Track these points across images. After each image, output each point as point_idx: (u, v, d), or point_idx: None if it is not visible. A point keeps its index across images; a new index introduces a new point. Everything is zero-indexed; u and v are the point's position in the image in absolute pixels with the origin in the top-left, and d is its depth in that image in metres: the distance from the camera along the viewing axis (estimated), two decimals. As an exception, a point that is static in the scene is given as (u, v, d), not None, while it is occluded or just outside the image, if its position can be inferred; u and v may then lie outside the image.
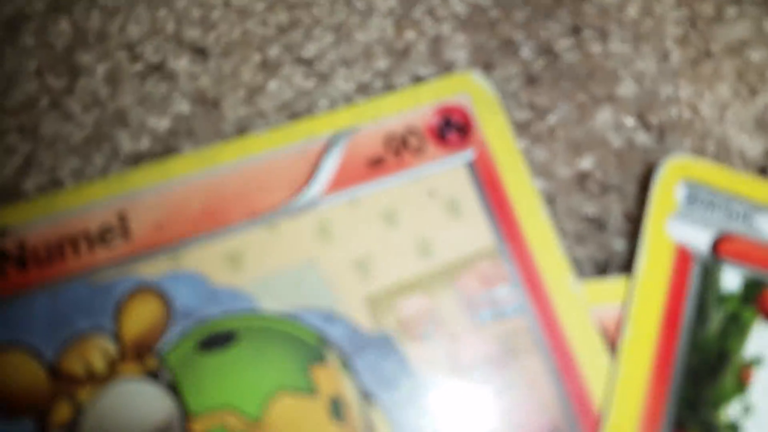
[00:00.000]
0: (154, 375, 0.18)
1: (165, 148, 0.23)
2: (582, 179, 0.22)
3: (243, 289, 0.19)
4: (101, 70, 0.25)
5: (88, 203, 0.20)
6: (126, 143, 0.23)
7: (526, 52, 0.24)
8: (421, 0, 0.25)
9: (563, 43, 0.24)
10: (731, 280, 0.19)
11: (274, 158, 0.21)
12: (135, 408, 0.18)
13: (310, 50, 0.25)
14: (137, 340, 0.19)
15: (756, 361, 0.19)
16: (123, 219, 0.20)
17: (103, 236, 0.20)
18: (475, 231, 0.20)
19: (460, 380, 0.19)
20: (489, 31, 0.25)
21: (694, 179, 0.20)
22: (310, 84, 0.24)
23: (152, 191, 0.20)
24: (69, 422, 0.18)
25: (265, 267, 0.20)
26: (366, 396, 0.18)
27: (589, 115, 0.23)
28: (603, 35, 0.24)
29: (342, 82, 0.24)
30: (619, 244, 0.21)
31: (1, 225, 0.20)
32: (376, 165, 0.21)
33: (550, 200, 0.22)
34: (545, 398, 0.18)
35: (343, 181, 0.21)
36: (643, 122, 0.23)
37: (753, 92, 0.24)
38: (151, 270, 0.20)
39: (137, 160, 0.23)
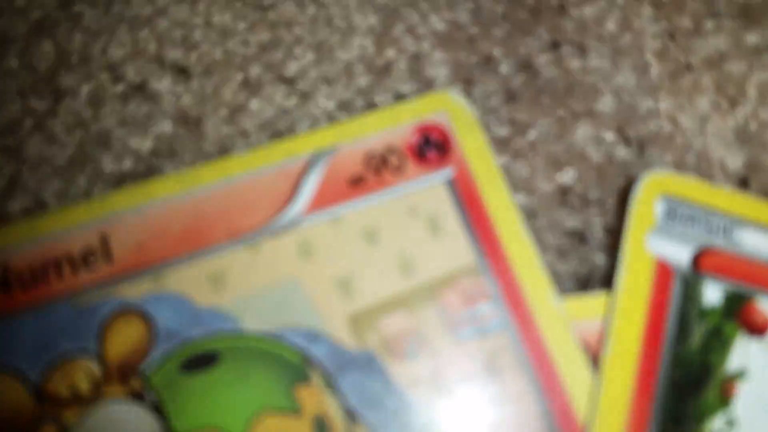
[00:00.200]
0: (138, 396, 0.18)
1: (148, 169, 0.23)
2: (563, 194, 0.22)
3: (225, 310, 0.19)
4: (84, 91, 0.25)
5: (71, 226, 0.20)
6: (109, 164, 0.23)
7: (506, 68, 0.24)
8: (400, 18, 0.25)
9: (542, 59, 0.24)
10: (712, 294, 0.20)
11: (255, 178, 0.21)
12: (120, 429, 0.18)
13: (291, 69, 0.25)
14: (121, 361, 0.19)
15: (739, 375, 0.19)
16: (105, 241, 0.20)
17: (85, 258, 0.20)
18: (456, 248, 0.20)
19: (444, 398, 0.19)
20: (468, 48, 0.25)
21: (673, 194, 0.20)
22: (291, 102, 0.24)
23: (134, 213, 0.20)
24: (54, 446, 0.18)
25: (247, 287, 0.20)
26: (350, 415, 0.18)
27: (568, 130, 0.23)
28: (582, 50, 0.25)
29: (324, 100, 0.24)
30: (600, 259, 0.21)
31: (-17, 249, 0.20)
32: (356, 184, 0.21)
33: (532, 215, 0.22)
34: (529, 414, 0.18)
35: (324, 200, 0.21)
36: (623, 136, 0.23)
37: (733, 104, 0.24)
38: (134, 291, 0.20)
39: (120, 180, 0.23)
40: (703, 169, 0.23)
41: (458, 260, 0.20)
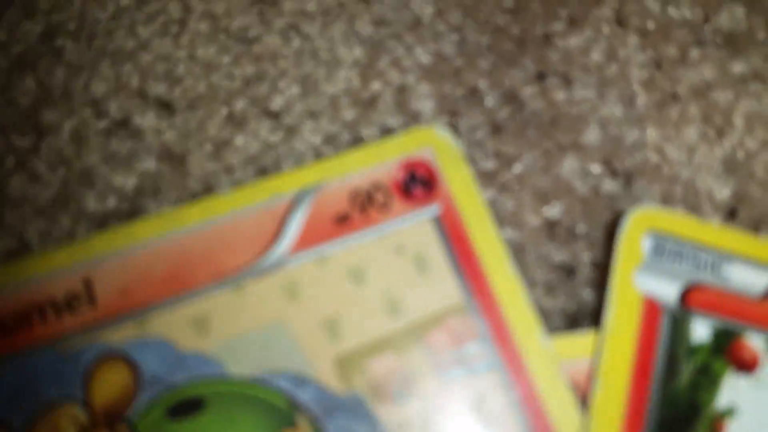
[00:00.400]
0: (126, 442, 0.18)
1: (132, 207, 0.23)
2: (550, 228, 0.22)
3: (210, 354, 0.19)
4: (67, 128, 0.24)
5: (54, 270, 0.20)
6: (92, 203, 0.23)
7: (491, 100, 0.24)
8: (386, 50, 0.25)
9: (528, 91, 0.24)
10: (701, 330, 0.19)
11: (239, 218, 0.21)
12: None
13: (276, 103, 0.25)
14: (107, 407, 0.19)
15: (728, 413, 0.19)
16: (88, 285, 0.20)
17: (69, 303, 0.20)
18: (443, 287, 0.20)
19: (432, 440, 0.19)
20: (454, 80, 0.25)
21: (660, 230, 0.20)
22: (277, 137, 0.24)
23: (117, 256, 0.20)
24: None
25: (231, 330, 0.19)
26: (338, 458, 0.18)
27: (555, 163, 0.23)
28: (567, 81, 0.24)
29: (309, 135, 0.24)
30: (588, 294, 0.21)
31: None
32: (342, 222, 0.21)
33: (519, 249, 0.22)
34: (518, 456, 0.18)
35: (309, 239, 0.21)
36: (610, 168, 0.23)
37: (720, 134, 0.24)
38: (118, 336, 0.19)
39: (104, 220, 0.23)
40: (691, 200, 0.23)
41: (446, 300, 0.20)
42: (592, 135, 0.23)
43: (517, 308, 0.20)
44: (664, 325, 0.19)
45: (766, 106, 0.24)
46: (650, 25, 0.26)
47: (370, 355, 0.19)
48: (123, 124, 0.24)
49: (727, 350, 0.19)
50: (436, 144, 0.22)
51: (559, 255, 0.22)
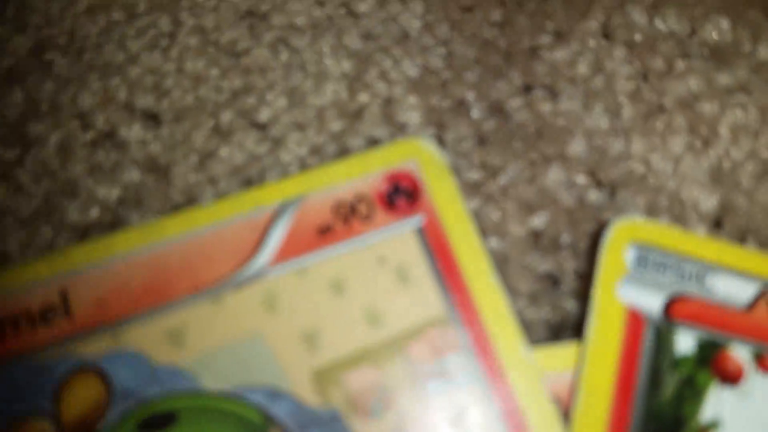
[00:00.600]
0: (97, 458, 0.18)
1: (114, 219, 0.23)
2: (535, 238, 0.22)
3: (184, 368, 0.19)
4: (53, 140, 0.24)
5: (31, 281, 0.20)
6: (75, 214, 0.23)
7: (478, 112, 0.24)
8: (373, 63, 0.25)
9: (514, 103, 0.24)
10: (685, 342, 0.19)
11: (220, 229, 0.21)
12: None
13: (263, 115, 0.25)
14: (77, 422, 0.18)
15: (713, 426, 0.18)
16: (65, 297, 0.20)
17: (44, 315, 0.20)
18: (424, 299, 0.20)
19: (412, 454, 0.18)
20: (441, 92, 0.25)
21: (644, 241, 0.20)
22: (263, 149, 0.24)
23: (95, 267, 0.20)
24: None
25: (207, 343, 0.19)
26: (317, 473, 0.18)
27: (540, 174, 0.23)
28: (553, 93, 0.24)
29: (295, 146, 0.24)
30: (572, 306, 0.21)
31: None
32: (324, 233, 0.21)
33: (504, 259, 0.22)
34: (499, 470, 0.18)
35: (291, 250, 0.20)
36: (595, 179, 0.23)
37: (706, 145, 0.24)
38: (92, 349, 0.19)
39: (85, 231, 0.23)
40: (676, 211, 0.22)
41: (427, 311, 0.20)
42: (577, 146, 0.23)
43: (500, 320, 0.20)
44: (648, 337, 0.19)
45: (751, 117, 0.24)
46: (637, 37, 0.26)
47: (348, 368, 0.19)
48: (109, 136, 0.24)
49: (711, 362, 0.19)
50: (420, 155, 0.22)
51: (543, 265, 0.22)
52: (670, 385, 0.19)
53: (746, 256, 0.20)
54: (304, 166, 0.23)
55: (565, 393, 0.19)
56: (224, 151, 0.24)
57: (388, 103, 0.25)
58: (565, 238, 0.22)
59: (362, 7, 0.27)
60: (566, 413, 0.19)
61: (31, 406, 0.18)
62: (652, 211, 0.22)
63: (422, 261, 0.20)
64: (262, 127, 0.24)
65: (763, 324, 0.19)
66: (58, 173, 0.24)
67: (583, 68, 0.25)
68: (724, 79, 0.25)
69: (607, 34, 0.26)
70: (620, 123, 0.24)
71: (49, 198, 0.23)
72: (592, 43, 0.25)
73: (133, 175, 0.23)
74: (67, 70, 0.26)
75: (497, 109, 0.24)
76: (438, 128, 0.24)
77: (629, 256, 0.20)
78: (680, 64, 0.25)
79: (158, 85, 0.25)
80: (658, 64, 0.25)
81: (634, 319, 0.19)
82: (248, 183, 0.23)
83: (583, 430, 0.18)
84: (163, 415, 0.18)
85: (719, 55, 0.25)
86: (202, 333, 0.19)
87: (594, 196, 0.23)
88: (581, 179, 0.23)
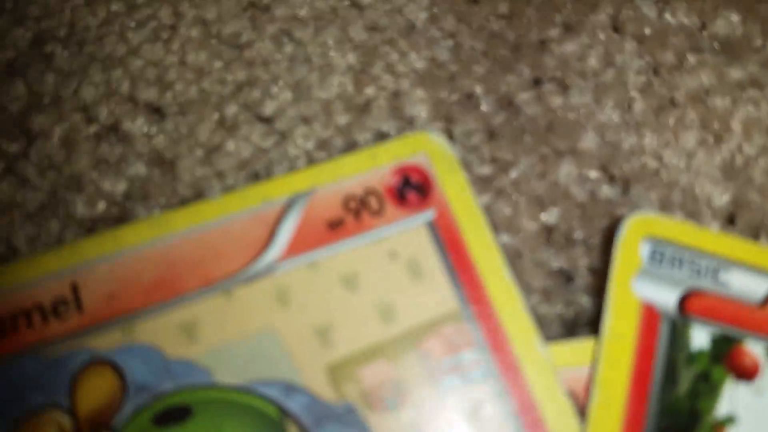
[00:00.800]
0: (111, 451, 0.18)
1: (121, 212, 0.22)
2: (547, 233, 0.22)
3: (198, 362, 0.19)
4: (56, 133, 0.24)
5: (42, 275, 0.20)
6: (81, 208, 0.22)
7: (487, 105, 0.24)
8: (379, 56, 0.25)
9: (524, 96, 0.24)
10: (700, 337, 0.19)
11: (230, 223, 0.20)
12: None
13: (268, 108, 0.24)
14: (92, 415, 0.18)
15: (728, 421, 0.18)
16: (76, 290, 0.19)
17: (56, 308, 0.19)
18: (438, 294, 0.20)
19: (426, 450, 0.18)
20: (449, 86, 0.24)
21: (658, 236, 0.20)
22: (269, 142, 0.24)
23: (105, 261, 0.20)
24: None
25: (220, 337, 0.19)
26: (330, 468, 0.18)
27: (551, 169, 0.23)
28: (563, 87, 0.24)
29: (302, 140, 0.24)
30: (586, 301, 0.21)
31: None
32: (335, 227, 0.20)
33: (516, 255, 0.22)
34: (515, 466, 0.18)
35: (301, 244, 0.20)
36: (607, 174, 0.23)
37: (718, 140, 0.24)
38: (105, 343, 0.19)
39: (93, 225, 0.22)
40: (690, 206, 0.22)
41: (440, 306, 0.20)
42: (589, 141, 0.23)
43: (514, 315, 0.19)
44: (663, 332, 0.19)
45: (763, 112, 0.24)
46: (647, 31, 0.25)
47: (363, 363, 0.19)
48: (113, 129, 0.24)
49: (726, 357, 0.19)
50: (430, 149, 0.22)
51: (556, 261, 0.21)
52: (685, 380, 0.19)
53: (761, 252, 0.20)
54: (311, 160, 0.23)
55: (580, 388, 0.19)
56: (230, 145, 0.24)
57: (396, 96, 0.24)
58: (579, 233, 0.22)
59: (367, -1, 0.27)
60: (581, 408, 0.18)
61: (47, 399, 0.18)
62: (665, 207, 0.22)
63: (434, 256, 0.20)
64: (267, 121, 0.24)
65: (778, 319, 0.19)
66: (63, 167, 0.23)
67: (593, 62, 0.25)
68: (735, 73, 0.25)
69: (616, 27, 0.26)
70: (632, 117, 0.24)
71: (55, 191, 0.23)
72: (601, 36, 0.25)
73: (138, 168, 0.23)
74: (69, 63, 0.26)
75: (507, 103, 0.24)
76: (446, 122, 0.24)
77: (644, 251, 0.20)
78: (691, 59, 0.25)
79: (161, 77, 0.25)
80: (668, 58, 0.25)
81: (650, 314, 0.19)
82: (255, 177, 0.23)
83: (599, 425, 0.18)
84: (178, 409, 0.18)
85: (730, 50, 0.25)
86: (215, 327, 0.19)
87: (607, 191, 0.22)
88: (594, 174, 0.23)
